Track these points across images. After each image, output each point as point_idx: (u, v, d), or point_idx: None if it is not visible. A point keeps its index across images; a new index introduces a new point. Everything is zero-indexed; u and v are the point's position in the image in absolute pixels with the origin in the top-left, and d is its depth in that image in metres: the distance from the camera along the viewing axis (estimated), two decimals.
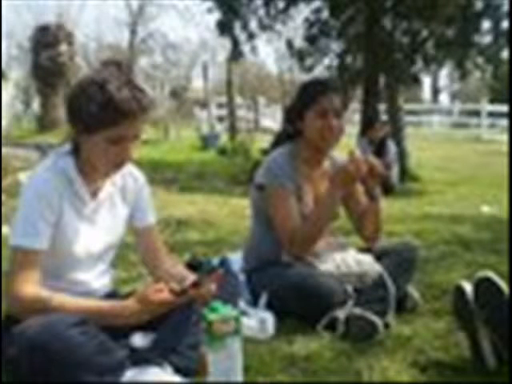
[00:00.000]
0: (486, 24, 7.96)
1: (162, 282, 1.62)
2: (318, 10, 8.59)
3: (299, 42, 9.08)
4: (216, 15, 8.53)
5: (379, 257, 2.32)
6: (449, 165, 10.15)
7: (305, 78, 9.63)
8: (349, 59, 8.77)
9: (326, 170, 2.42)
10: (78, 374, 1.42)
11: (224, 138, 12.48)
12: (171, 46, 30.44)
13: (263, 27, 8.67)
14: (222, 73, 23.62)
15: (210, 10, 8.60)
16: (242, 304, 2.19)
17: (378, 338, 2.00)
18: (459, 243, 3.60)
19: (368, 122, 6.83)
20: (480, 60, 8.12)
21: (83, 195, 1.68)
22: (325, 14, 8.55)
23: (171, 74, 29.64)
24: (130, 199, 1.82)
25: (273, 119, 19.09)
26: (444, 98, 37.77)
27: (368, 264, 2.27)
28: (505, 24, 7.79)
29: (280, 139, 2.45)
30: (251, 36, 8.64)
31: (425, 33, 8.10)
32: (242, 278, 2.38)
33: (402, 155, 7.56)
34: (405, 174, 7.50)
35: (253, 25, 8.63)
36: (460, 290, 1.84)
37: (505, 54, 8.11)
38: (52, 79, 14.24)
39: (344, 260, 2.30)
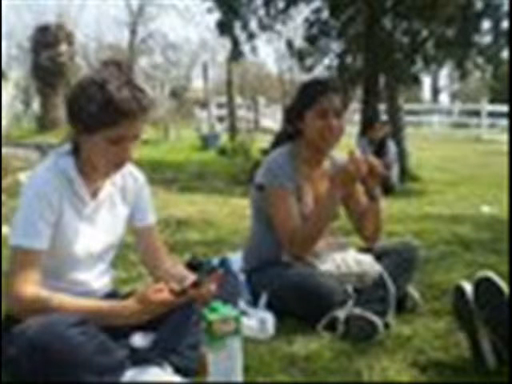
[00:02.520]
0: (486, 24, 7.96)
1: (162, 281, 1.62)
2: (318, 10, 8.59)
3: (299, 42, 9.09)
4: (216, 15, 8.54)
5: (379, 257, 2.32)
6: (449, 165, 10.15)
7: (305, 78, 9.64)
8: (349, 59, 8.77)
9: (325, 170, 2.42)
10: (78, 374, 1.42)
11: (224, 138, 12.49)
12: (171, 45, 30.44)
13: (263, 27, 8.66)
14: (222, 73, 23.64)
15: (209, 10, 8.59)
16: (242, 304, 2.19)
17: (378, 338, 2.00)
18: (459, 243, 3.60)
19: (368, 122, 6.82)
20: (480, 60, 8.11)
21: (83, 195, 1.68)
22: (325, 14, 8.55)
23: (171, 74, 29.65)
24: (130, 199, 1.82)
25: (273, 119, 19.09)
26: (444, 98, 37.80)
27: (368, 264, 2.27)
28: (505, 24, 7.78)
29: (280, 139, 2.45)
30: (251, 36, 8.63)
31: (425, 33, 8.09)
32: (242, 277, 2.38)
33: (401, 155, 7.55)
34: (405, 174, 7.49)
35: (253, 25, 8.62)
36: (460, 290, 1.84)
37: (505, 54, 8.11)
38: (52, 79, 14.24)
39: (344, 260, 2.30)
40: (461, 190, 6.96)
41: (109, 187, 1.76)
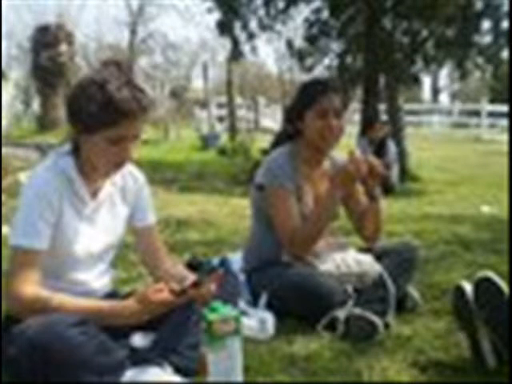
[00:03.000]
0: (486, 24, 7.97)
1: (162, 281, 1.62)
2: (318, 10, 8.59)
3: (299, 42, 9.09)
4: (216, 15, 8.56)
5: (379, 257, 2.32)
6: (449, 165, 10.15)
7: (305, 78, 9.64)
8: (349, 59, 8.77)
9: (325, 170, 2.42)
10: (78, 374, 1.42)
11: (224, 138, 12.49)
12: (171, 45, 30.40)
13: (263, 27, 8.68)
14: (222, 73, 23.66)
15: (209, 10, 8.61)
16: (242, 304, 2.19)
17: (378, 338, 2.00)
18: (459, 243, 3.60)
19: (368, 122, 6.82)
20: (480, 60, 8.12)
21: (83, 195, 1.68)
22: (325, 14, 8.56)
23: (171, 74, 29.62)
24: (130, 199, 1.82)
25: (273, 119, 19.09)
26: (444, 98, 37.76)
27: (368, 264, 2.27)
28: (505, 24, 7.79)
29: (280, 139, 2.45)
30: (251, 36, 8.64)
31: (425, 33, 8.10)
32: (242, 277, 2.38)
33: (402, 155, 7.56)
34: (405, 173, 7.50)
35: (253, 25, 8.64)
36: (460, 290, 1.84)
37: (505, 53, 8.12)
38: (52, 79, 14.24)
39: (344, 260, 2.30)
40: (461, 190, 6.96)
41: (109, 187, 1.76)
